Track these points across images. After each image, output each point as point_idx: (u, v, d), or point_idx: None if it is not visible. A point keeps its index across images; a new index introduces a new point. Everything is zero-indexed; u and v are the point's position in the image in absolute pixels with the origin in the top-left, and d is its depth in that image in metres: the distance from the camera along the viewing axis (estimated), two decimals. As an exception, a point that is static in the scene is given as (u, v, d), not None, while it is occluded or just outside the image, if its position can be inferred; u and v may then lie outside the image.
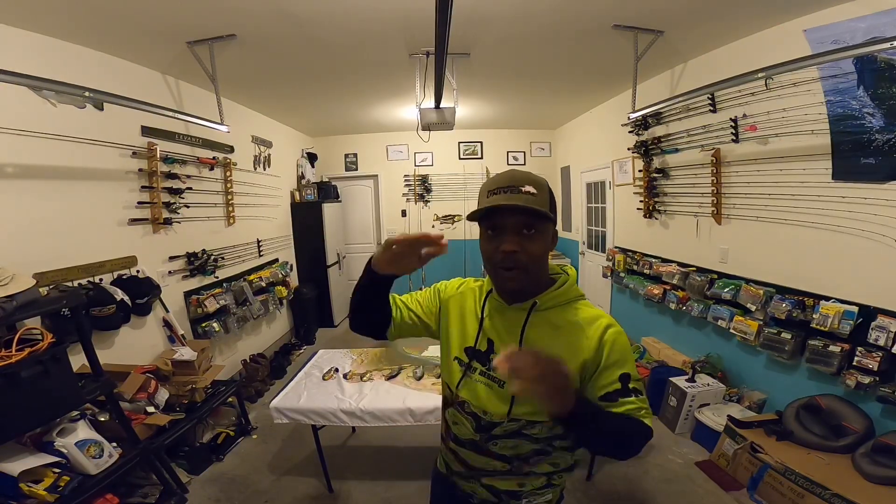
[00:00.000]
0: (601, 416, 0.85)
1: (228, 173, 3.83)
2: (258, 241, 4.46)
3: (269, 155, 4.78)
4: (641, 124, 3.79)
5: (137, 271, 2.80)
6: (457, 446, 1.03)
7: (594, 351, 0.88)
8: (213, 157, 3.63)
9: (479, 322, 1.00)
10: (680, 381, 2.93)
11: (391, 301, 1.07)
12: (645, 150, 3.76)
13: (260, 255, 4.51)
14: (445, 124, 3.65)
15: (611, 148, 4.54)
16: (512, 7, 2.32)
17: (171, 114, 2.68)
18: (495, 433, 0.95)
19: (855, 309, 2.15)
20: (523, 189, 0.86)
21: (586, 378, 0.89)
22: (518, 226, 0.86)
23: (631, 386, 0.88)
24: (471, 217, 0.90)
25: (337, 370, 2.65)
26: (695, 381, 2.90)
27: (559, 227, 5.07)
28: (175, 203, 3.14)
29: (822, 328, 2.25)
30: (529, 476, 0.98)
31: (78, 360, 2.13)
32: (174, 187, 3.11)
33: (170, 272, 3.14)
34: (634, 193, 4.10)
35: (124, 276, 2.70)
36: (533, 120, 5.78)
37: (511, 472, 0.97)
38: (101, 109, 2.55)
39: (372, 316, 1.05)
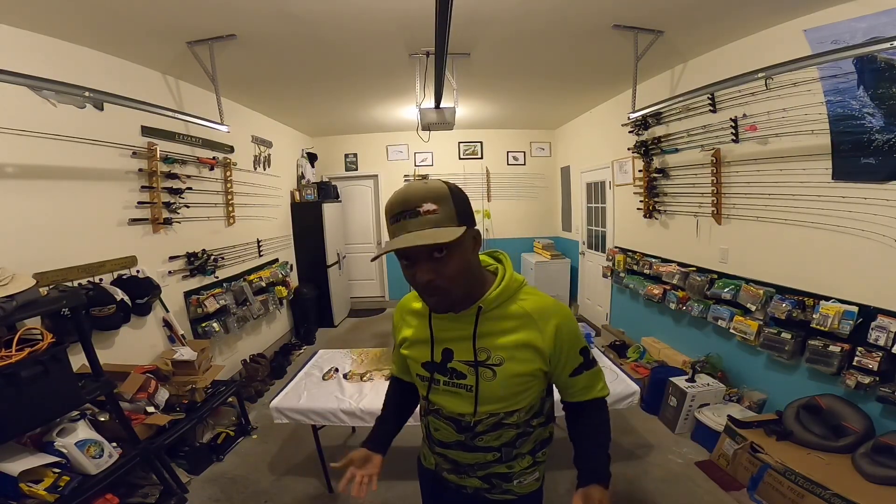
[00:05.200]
0: (597, 447, 1.00)
1: (228, 173, 3.83)
2: (258, 241, 4.46)
3: (269, 155, 4.78)
4: (641, 124, 3.79)
5: (137, 271, 2.80)
6: (444, 449, 1.06)
7: (552, 345, 0.94)
8: (213, 157, 3.63)
9: (430, 336, 1.01)
10: (680, 381, 2.93)
11: (403, 373, 1.18)
12: (645, 150, 3.76)
13: (260, 255, 4.51)
14: (445, 124, 3.64)
15: (611, 148, 4.54)
16: (512, 7, 2.32)
17: (171, 114, 2.68)
18: (478, 430, 0.99)
19: (855, 309, 2.15)
20: (421, 209, 0.81)
21: (549, 364, 0.96)
22: (427, 253, 0.83)
23: (590, 357, 1.01)
24: (376, 259, 0.97)
25: (337, 370, 2.65)
26: (695, 381, 2.90)
27: (559, 226, 5.04)
28: (175, 203, 3.14)
29: (822, 328, 2.24)
30: (517, 458, 1.02)
31: (78, 360, 2.13)
32: (174, 187, 3.11)
33: (170, 272, 3.14)
34: (634, 193, 4.10)
35: (124, 276, 2.70)
36: (533, 120, 5.78)
37: (501, 459, 1.02)
38: (101, 109, 2.55)
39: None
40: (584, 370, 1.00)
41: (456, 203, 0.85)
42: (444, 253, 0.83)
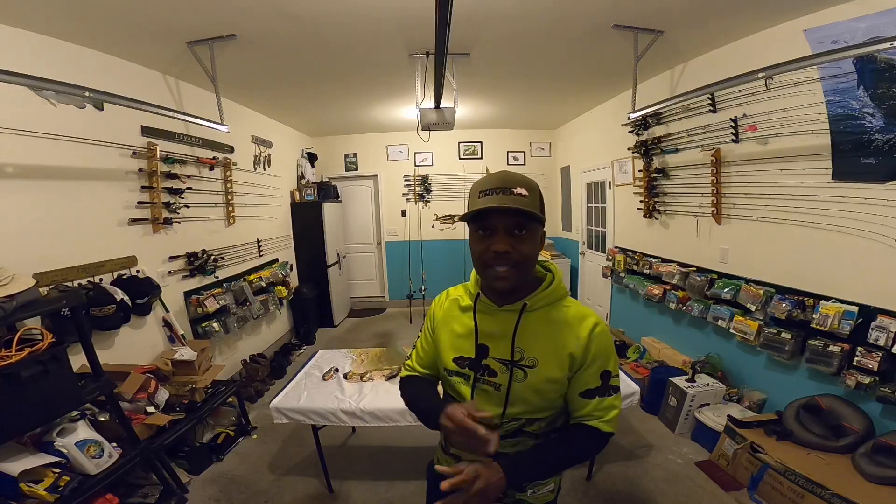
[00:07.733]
0: (544, 455, 0.93)
1: (228, 173, 3.83)
2: (258, 241, 4.46)
3: (269, 155, 4.78)
4: (641, 124, 3.79)
5: (137, 271, 2.80)
6: (458, 451, 1.03)
7: (583, 348, 0.92)
8: (213, 157, 3.63)
9: (475, 328, 0.99)
10: (680, 381, 2.93)
11: (414, 370, 1.13)
12: (645, 150, 3.76)
13: (260, 255, 4.51)
14: (445, 124, 3.64)
15: (611, 148, 4.54)
16: (512, 7, 2.32)
17: (171, 114, 2.68)
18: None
19: (855, 309, 2.15)
20: (515, 191, 0.87)
21: (572, 371, 0.93)
22: (510, 227, 0.88)
23: (611, 383, 0.94)
24: (463, 218, 0.92)
25: (337, 370, 2.65)
26: (695, 381, 2.90)
27: (559, 226, 5.05)
28: (175, 203, 3.14)
29: (822, 328, 2.24)
30: None
31: (78, 360, 2.13)
32: (174, 187, 3.11)
33: (170, 272, 3.14)
34: (634, 193, 4.10)
35: (124, 276, 2.70)
36: (533, 120, 5.78)
37: None
38: (101, 109, 2.55)
39: None
40: (597, 395, 0.93)
41: (540, 199, 0.93)
42: (524, 232, 0.88)
